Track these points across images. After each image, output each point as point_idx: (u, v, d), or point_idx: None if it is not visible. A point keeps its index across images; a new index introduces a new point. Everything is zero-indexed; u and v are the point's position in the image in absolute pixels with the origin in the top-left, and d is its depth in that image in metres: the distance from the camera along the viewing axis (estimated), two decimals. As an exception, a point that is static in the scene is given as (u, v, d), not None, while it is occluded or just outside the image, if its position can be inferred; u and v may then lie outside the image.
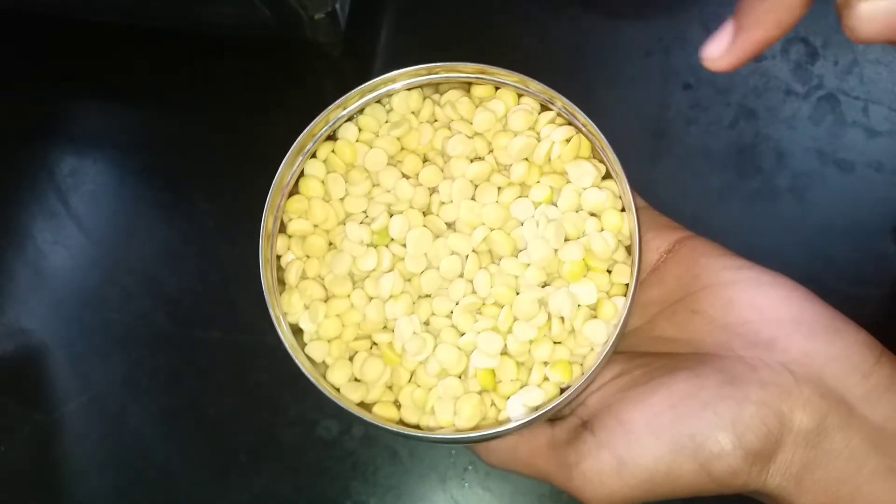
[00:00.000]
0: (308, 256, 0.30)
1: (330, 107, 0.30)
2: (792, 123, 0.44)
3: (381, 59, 0.46)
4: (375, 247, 0.30)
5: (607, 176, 0.30)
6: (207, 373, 0.41)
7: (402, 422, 0.29)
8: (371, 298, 0.29)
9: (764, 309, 0.28)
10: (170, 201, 0.45)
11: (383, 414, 0.29)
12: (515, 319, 0.28)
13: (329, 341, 0.29)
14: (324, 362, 0.29)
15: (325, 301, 0.30)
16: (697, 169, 0.43)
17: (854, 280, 0.41)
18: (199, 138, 0.46)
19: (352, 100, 0.31)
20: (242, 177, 0.45)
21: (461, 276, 0.29)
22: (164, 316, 0.42)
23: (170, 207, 0.45)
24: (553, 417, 0.29)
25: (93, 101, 0.48)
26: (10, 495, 0.40)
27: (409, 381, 0.29)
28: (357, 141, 0.31)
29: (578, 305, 0.28)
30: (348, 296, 0.29)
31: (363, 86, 0.30)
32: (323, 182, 0.31)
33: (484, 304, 0.29)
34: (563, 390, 0.28)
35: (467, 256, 0.29)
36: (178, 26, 0.46)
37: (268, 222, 0.30)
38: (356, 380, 0.29)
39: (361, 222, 0.30)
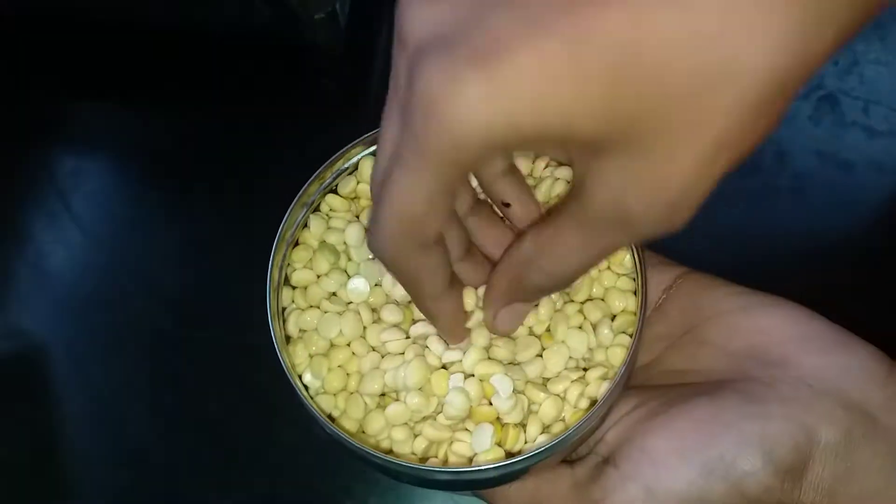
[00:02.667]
0: (311, 306, 0.30)
1: (332, 158, 0.31)
2: (792, 123, 0.44)
3: (380, 59, 0.46)
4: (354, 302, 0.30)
5: None
6: (207, 373, 0.41)
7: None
8: (372, 348, 0.29)
9: (771, 330, 0.28)
10: (170, 201, 0.45)
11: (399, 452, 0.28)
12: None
13: (335, 394, 0.29)
14: (330, 415, 0.29)
15: (328, 351, 0.29)
16: (697, 169, 0.43)
17: (855, 280, 0.41)
18: (200, 138, 0.46)
19: (354, 151, 0.31)
20: (243, 176, 0.45)
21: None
22: (164, 316, 0.42)
23: (170, 207, 0.45)
24: (572, 458, 0.28)
25: (93, 101, 0.48)
26: (10, 495, 0.40)
27: (417, 436, 0.28)
28: (355, 197, 0.31)
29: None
30: (348, 344, 0.29)
31: (365, 136, 0.31)
32: (323, 237, 0.31)
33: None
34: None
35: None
36: (178, 26, 0.46)
37: (273, 274, 0.30)
38: (363, 432, 0.29)
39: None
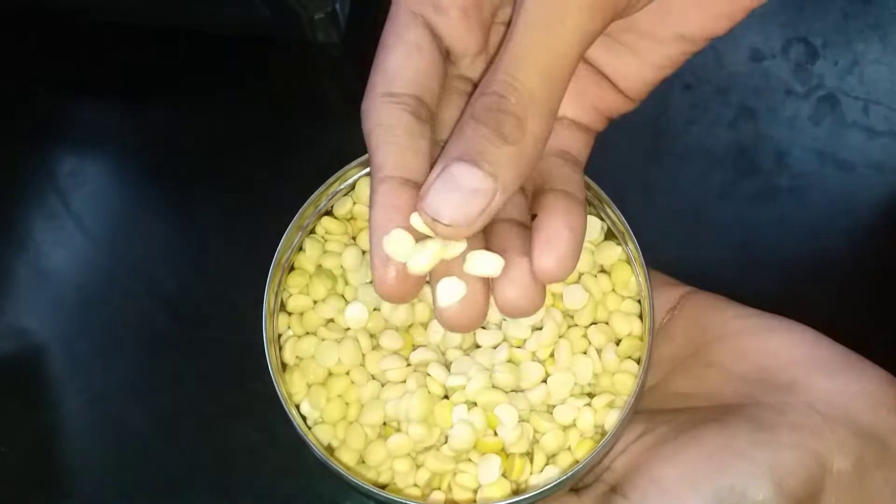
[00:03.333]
0: (307, 333, 0.30)
1: (328, 180, 0.30)
2: (792, 123, 0.44)
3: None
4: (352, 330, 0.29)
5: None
6: (207, 373, 0.41)
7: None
8: (372, 376, 0.29)
9: (778, 353, 0.27)
10: (170, 201, 0.45)
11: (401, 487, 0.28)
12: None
13: (334, 424, 0.29)
14: (329, 445, 0.29)
15: (326, 380, 0.29)
16: (697, 169, 0.43)
17: (855, 280, 0.41)
18: (200, 138, 0.46)
19: (351, 173, 0.30)
20: (243, 176, 0.45)
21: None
22: (164, 316, 0.42)
23: (170, 207, 0.45)
24: (578, 487, 0.28)
25: (93, 101, 0.47)
26: (10, 495, 0.40)
27: (420, 466, 0.28)
28: (351, 218, 0.31)
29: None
30: (347, 373, 0.29)
31: (362, 158, 0.30)
32: (320, 261, 0.30)
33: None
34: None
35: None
36: (178, 26, 0.46)
37: (269, 300, 0.29)
38: (363, 462, 0.28)
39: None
